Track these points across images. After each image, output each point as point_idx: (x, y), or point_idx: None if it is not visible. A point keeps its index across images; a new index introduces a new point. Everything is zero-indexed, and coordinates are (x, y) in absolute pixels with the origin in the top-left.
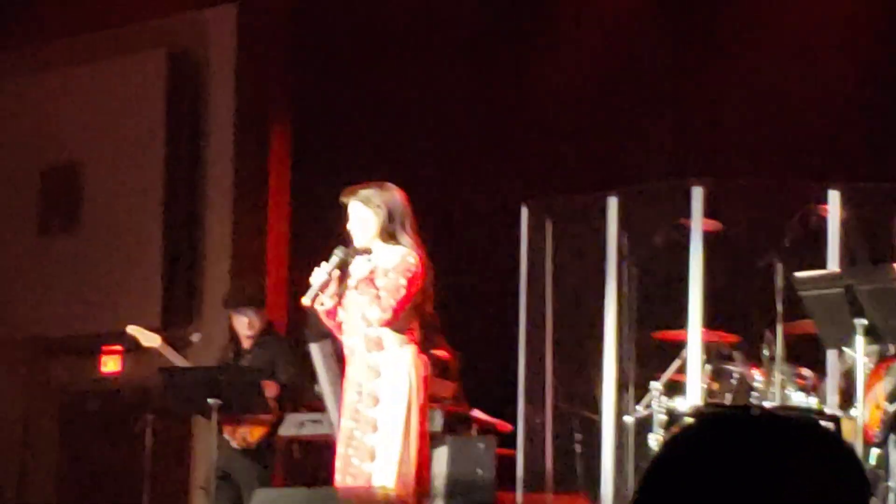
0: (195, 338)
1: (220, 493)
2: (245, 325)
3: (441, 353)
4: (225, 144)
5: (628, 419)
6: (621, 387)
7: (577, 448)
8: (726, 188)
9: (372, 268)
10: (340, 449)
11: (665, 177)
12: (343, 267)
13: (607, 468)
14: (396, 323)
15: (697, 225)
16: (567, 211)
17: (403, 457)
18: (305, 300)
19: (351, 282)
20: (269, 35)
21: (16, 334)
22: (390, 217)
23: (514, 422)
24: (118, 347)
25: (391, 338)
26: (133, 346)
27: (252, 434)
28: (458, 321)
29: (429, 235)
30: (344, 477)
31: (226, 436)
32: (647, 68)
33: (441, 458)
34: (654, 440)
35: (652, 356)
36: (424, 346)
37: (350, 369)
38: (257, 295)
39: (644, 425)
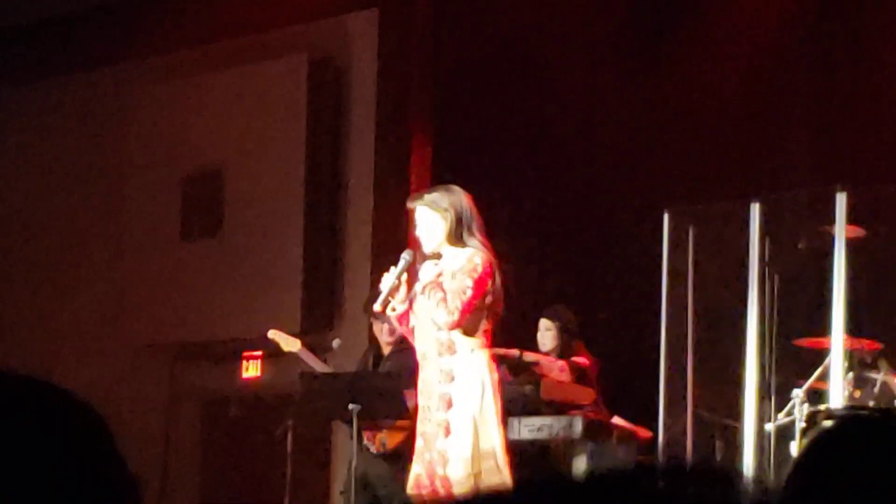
0: (335, 343)
1: (361, 498)
2: (385, 331)
3: (581, 359)
4: (366, 150)
5: (769, 427)
6: (762, 394)
7: (718, 456)
8: (871, 195)
9: (439, 271)
10: (423, 456)
11: (808, 183)
12: (411, 270)
13: (748, 476)
14: (466, 326)
15: (841, 232)
16: (709, 217)
17: (476, 462)
18: (376, 306)
19: (417, 287)
20: (410, 40)
21: (158, 339)
22: (458, 220)
23: (654, 429)
24: (258, 353)
25: (462, 341)
26: (273, 352)
27: (391, 439)
28: (599, 328)
29: (570, 242)
30: (430, 481)
31: (365, 441)
32: (792, 72)
33: (580, 465)
34: (795, 448)
35: (793, 364)
36: (565, 353)
37: (423, 374)
38: None
39: (785, 433)
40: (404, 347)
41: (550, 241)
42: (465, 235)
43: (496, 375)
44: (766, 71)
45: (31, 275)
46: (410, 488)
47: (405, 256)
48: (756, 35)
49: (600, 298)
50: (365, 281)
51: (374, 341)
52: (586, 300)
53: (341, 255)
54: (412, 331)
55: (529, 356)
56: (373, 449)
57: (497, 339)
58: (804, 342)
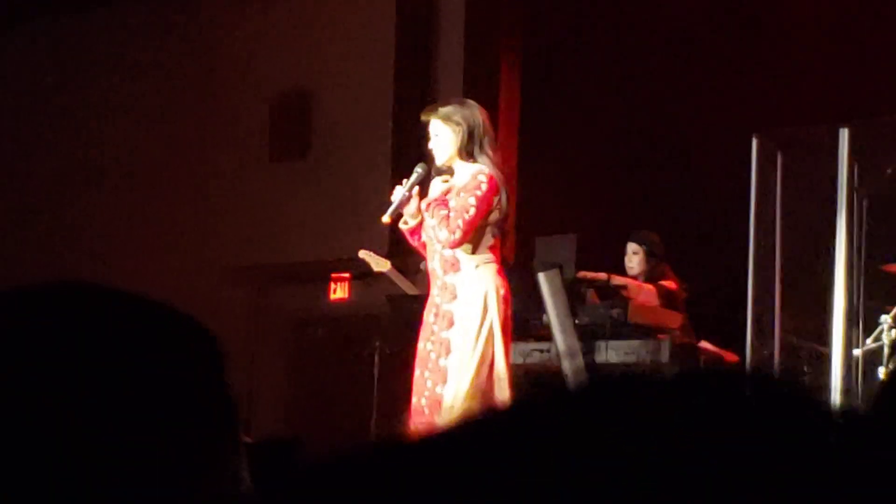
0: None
1: None
2: None
3: (668, 283)
4: (454, 74)
5: (857, 352)
6: (851, 320)
7: (806, 381)
8: None
9: (447, 188)
10: (417, 371)
11: None
12: (424, 184)
13: (836, 401)
14: (470, 242)
15: None
16: (798, 142)
17: (475, 380)
18: (385, 217)
19: (423, 204)
20: None
21: (246, 260)
22: (470, 135)
23: (741, 354)
24: (346, 275)
25: (466, 258)
26: (361, 273)
27: None
28: (687, 252)
29: (657, 165)
30: (419, 399)
31: None
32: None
33: None
34: (883, 373)
35: (882, 289)
36: (653, 277)
37: (432, 290)
38: None
39: (873, 358)
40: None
41: (637, 164)
42: (476, 151)
43: (503, 291)
44: None
45: (122, 195)
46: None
47: (418, 169)
48: None
49: (689, 222)
50: None
51: None
52: (675, 224)
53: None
54: (424, 245)
55: (617, 280)
56: None
57: (583, 260)
58: (893, 268)
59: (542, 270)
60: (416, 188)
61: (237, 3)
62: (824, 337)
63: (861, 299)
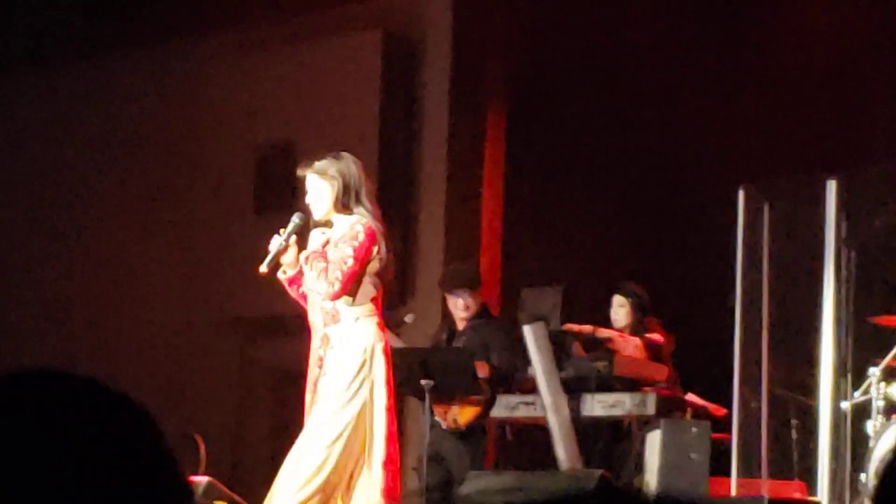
0: (409, 318)
1: (432, 474)
2: (460, 306)
3: (655, 336)
4: (439, 125)
5: (845, 405)
6: (838, 372)
7: (794, 434)
8: None
9: (326, 240)
10: (307, 422)
11: (885, 159)
12: (302, 234)
13: (824, 455)
14: (350, 294)
15: None
16: (785, 193)
17: (339, 435)
18: (263, 267)
19: (301, 257)
20: (484, 15)
21: (231, 314)
22: (345, 188)
23: (729, 406)
24: None
25: (347, 310)
26: None
27: (462, 416)
28: (674, 304)
29: (643, 217)
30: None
31: (436, 417)
32: (873, 46)
33: (654, 442)
34: (872, 427)
35: (870, 341)
36: (639, 330)
37: (313, 342)
38: (473, 276)
39: (862, 412)
40: (478, 322)
41: (624, 216)
42: (352, 203)
43: (383, 343)
44: (846, 45)
45: (105, 249)
46: None
47: (294, 219)
48: (837, 8)
49: (675, 274)
50: (438, 256)
51: (448, 316)
52: (661, 277)
53: (414, 230)
54: (304, 296)
55: (603, 332)
56: (444, 425)
57: (568, 312)
58: (881, 320)
59: (527, 323)
60: (294, 237)
61: (223, 55)
62: (812, 389)
63: (849, 351)
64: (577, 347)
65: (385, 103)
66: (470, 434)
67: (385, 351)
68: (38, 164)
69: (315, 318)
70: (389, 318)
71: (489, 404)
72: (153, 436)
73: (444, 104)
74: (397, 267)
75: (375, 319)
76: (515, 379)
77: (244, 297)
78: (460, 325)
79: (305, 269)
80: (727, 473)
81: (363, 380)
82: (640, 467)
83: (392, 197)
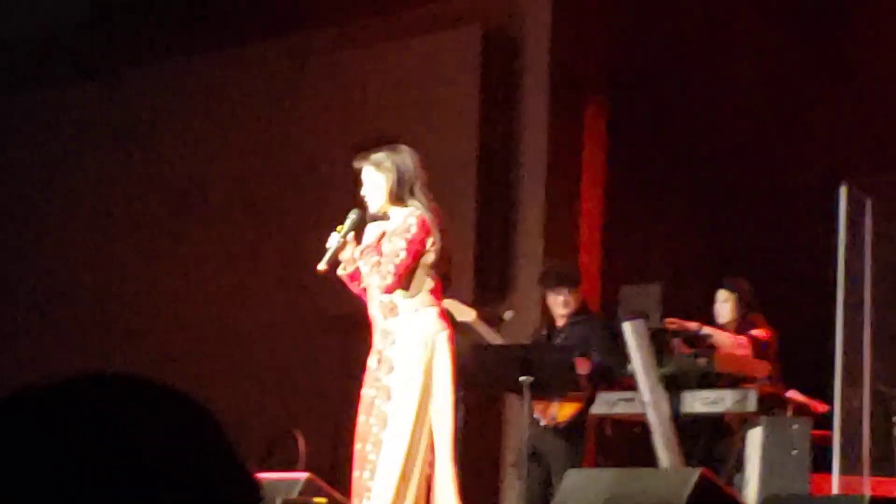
0: (507, 315)
1: (531, 471)
2: (560, 303)
3: (759, 332)
4: (539, 121)
5: None
6: None
7: (894, 430)
8: None
9: (381, 232)
10: (362, 417)
11: None
12: (359, 229)
13: None
14: (407, 286)
15: None
16: (887, 189)
17: (416, 427)
18: (321, 265)
19: (356, 252)
20: (584, 10)
21: (337, 310)
22: (399, 180)
23: (830, 403)
24: None
25: (405, 303)
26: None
27: (561, 413)
28: (775, 300)
29: (745, 212)
30: (364, 445)
31: (535, 414)
32: None
33: (756, 439)
34: None
35: None
36: (743, 325)
37: (374, 336)
38: (573, 274)
39: None
40: (578, 320)
41: (725, 213)
42: (407, 195)
43: (446, 333)
44: None
45: (207, 248)
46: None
47: (352, 215)
48: None
49: (776, 271)
50: (538, 252)
51: (547, 313)
52: (762, 273)
53: (514, 226)
54: (364, 291)
55: (707, 330)
56: (543, 422)
57: (669, 309)
58: None
59: (627, 319)
60: (352, 234)
61: (323, 52)
62: None
63: None
64: (678, 344)
65: (484, 99)
66: (569, 431)
67: (450, 339)
68: (142, 163)
69: (374, 311)
70: (489, 314)
71: (589, 401)
72: (217, 438)
73: (543, 100)
74: (497, 264)
75: (436, 309)
76: (616, 376)
77: (347, 294)
78: (560, 323)
79: (360, 263)
80: (829, 470)
81: (431, 371)
82: (740, 465)
83: (491, 194)
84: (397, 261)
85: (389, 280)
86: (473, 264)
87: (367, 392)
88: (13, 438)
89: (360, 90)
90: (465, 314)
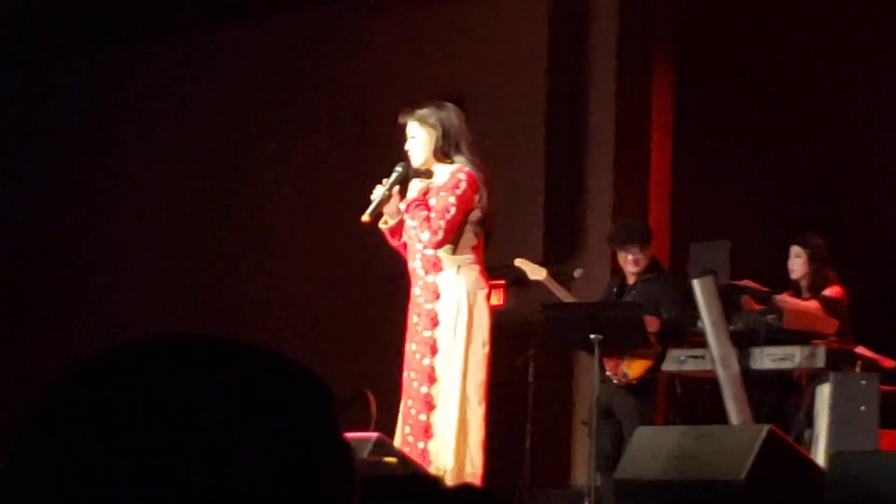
0: (577, 273)
1: (602, 428)
2: (631, 261)
3: (833, 292)
4: (607, 81)
5: None
6: None
7: None
8: None
9: (426, 188)
10: (405, 373)
11: None
12: (404, 183)
13: None
14: (453, 243)
15: None
16: None
17: (463, 383)
18: (365, 216)
19: (402, 205)
20: None
21: (398, 270)
22: (445, 135)
23: None
24: (501, 281)
25: (449, 259)
26: (516, 280)
27: (633, 370)
28: (844, 256)
29: (812, 169)
30: (407, 400)
31: (607, 372)
32: None
33: (824, 395)
34: None
35: None
36: (816, 281)
37: (414, 290)
38: (644, 232)
39: None
40: (649, 277)
41: (794, 170)
42: (452, 152)
43: (485, 291)
44: None
45: (282, 213)
46: (398, 443)
47: (398, 168)
48: None
49: (846, 228)
50: (607, 210)
51: (618, 271)
52: (834, 229)
53: (583, 185)
54: (405, 246)
55: (780, 301)
56: (615, 379)
57: (738, 266)
58: None
59: (696, 277)
60: (397, 187)
61: (388, 12)
62: None
63: None
64: (747, 301)
65: (552, 59)
66: (640, 388)
67: (487, 298)
68: (211, 125)
69: (416, 265)
70: (559, 272)
71: (659, 359)
72: (331, 418)
73: (611, 59)
74: (567, 221)
75: (477, 268)
76: (686, 333)
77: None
78: (630, 280)
79: (406, 218)
80: None
81: (474, 327)
82: (810, 421)
83: (560, 153)
84: (448, 216)
85: (440, 235)
86: (543, 223)
87: (408, 347)
88: (109, 395)
89: (428, 49)
90: (537, 273)
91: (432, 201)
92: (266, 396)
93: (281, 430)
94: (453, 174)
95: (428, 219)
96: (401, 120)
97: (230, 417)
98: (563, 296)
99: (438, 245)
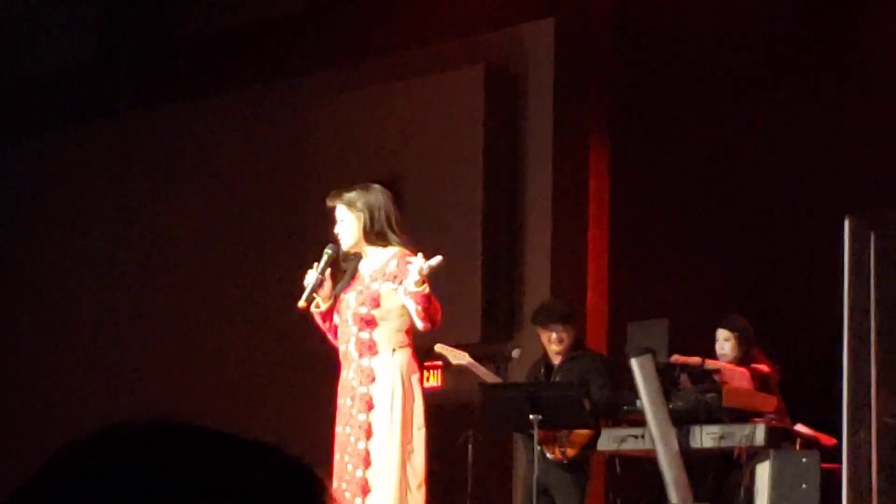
0: (515, 353)
1: None
2: (554, 340)
3: (761, 367)
4: (543, 158)
5: None
6: None
7: None
8: None
9: (375, 275)
10: (337, 455)
11: None
12: (335, 266)
13: None
14: (389, 327)
15: None
16: (892, 223)
17: (402, 467)
18: (301, 302)
19: (340, 286)
20: (586, 48)
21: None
22: (372, 218)
23: (838, 436)
24: (439, 362)
25: (384, 342)
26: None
27: (570, 448)
28: (780, 334)
29: (748, 244)
30: (340, 483)
31: (542, 449)
32: None
33: (764, 473)
34: None
35: None
36: (745, 362)
37: (344, 373)
38: (565, 311)
39: None
40: (574, 355)
41: (731, 247)
42: (385, 232)
43: (417, 375)
44: None
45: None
46: None
47: (327, 251)
48: None
49: (782, 305)
50: (545, 290)
51: (544, 351)
52: (768, 307)
53: (520, 265)
54: (335, 329)
55: (711, 364)
56: (550, 456)
57: (676, 345)
58: None
59: (634, 356)
60: (328, 270)
61: (328, 92)
62: None
63: None
64: (684, 380)
65: (489, 137)
66: (576, 466)
67: (420, 381)
68: (146, 206)
69: (350, 347)
70: (497, 353)
71: (595, 436)
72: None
73: (547, 136)
74: (504, 302)
75: (409, 350)
76: (618, 411)
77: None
78: (556, 360)
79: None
80: None
81: (403, 410)
82: (750, 499)
83: (498, 230)
84: (437, 304)
85: (432, 323)
86: (481, 303)
87: (341, 430)
88: (97, 478)
89: (365, 129)
90: (458, 357)
91: (378, 285)
92: (260, 486)
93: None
94: (401, 259)
95: (427, 313)
96: (329, 203)
97: None
98: (489, 378)
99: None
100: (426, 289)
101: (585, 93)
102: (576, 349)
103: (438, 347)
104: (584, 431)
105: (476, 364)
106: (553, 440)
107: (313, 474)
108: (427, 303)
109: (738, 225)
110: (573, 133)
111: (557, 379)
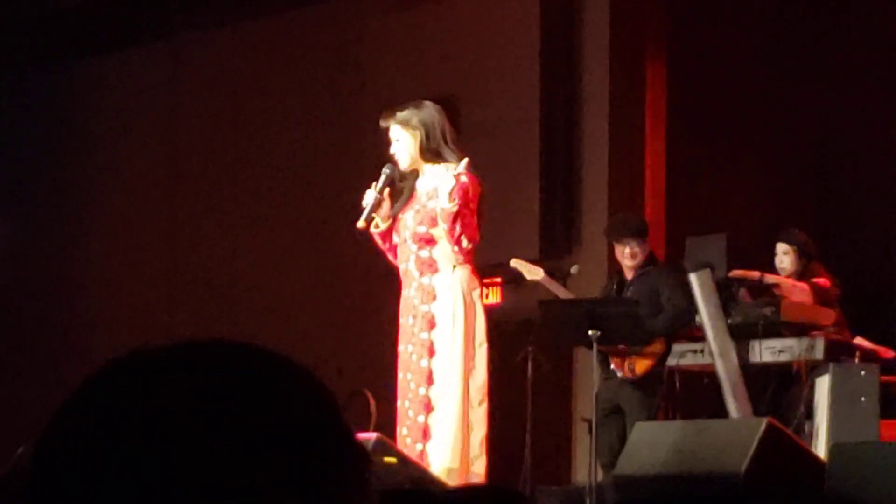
0: (574, 269)
1: (609, 424)
2: (628, 255)
3: (821, 280)
4: (600, 77)
5: None
6: None
7: None
8: None
9: (432, 192)
10: (400, 374)
11: None
12: (393, 186)
13: None
14: (448, 244)
15: None
16: None
17: (464, 384)
18: (360, 222)
19: (398, 205)
20: None
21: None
22: (428, 136)
23: None
24: (498, 279)
25: (444, 259)
26: (513, 278)
27: (638, 365)
28: (839, 248)
29: (807, 157)
30: (403, 402)
31: (613, 367)
32: None
33: (823, 387)
34: None
35: None
36: (805, 276)
37: (407, 292)
38: (640, 225)
39: None
40: (646, 271)
41: (788, 162)
42: (441, 149)
43: (478, 290)
44: None
45: (276, 215)
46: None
47: (385, 171)
48: None
49: (840, 218)
50: (602, 206)
51: (614, 265)
52: (826, 221)
53: (578, 181)
54: (395, 248)
55: (770, 278)
56: (620, 374)
57: (734, 259)
58: None
59: (693, 270)
60: (387, 190)
61: (384, 12)
62: None
63: None
64: (744, 294)
65: (545, 57)
66: (646, 383)
67: (480, 296)
68: (201, 129)
69: (410, 266)
70: (555, 268)
71: (665, 353)
72: (329, 409)
73: (603, 57)
74: (562, 218)
75: (469, 267)
76: (693, 320)
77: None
78: (629, 275)
79: (404, 217)
80: None
81: (472, 328)
82: (810, 413)
83: (555, 149)
84: (472, 227)
85: (472, 245)
86: (539, 220)
87: (403, 349)
88: (128, 397)
89: (422, 49)
90: (534, 273)
91: (434, 203)
92: (278, 400)
93: (295, 432)
94: (457, 177)
95: (453, 230)
96: (382, 123)
97: (244, 419)
98: (562, 293)
99: (469, 253)
100: (454, 207)
101: (642, 6)
102: (648, 264)
103: (514, 262)
104: (655, 348)
105: (550, 280)
106: (623, 357)
107: (324, 387)
108: (453, 222)
109: (796, 138)
110: (630, 47)
111: (629, 294)
